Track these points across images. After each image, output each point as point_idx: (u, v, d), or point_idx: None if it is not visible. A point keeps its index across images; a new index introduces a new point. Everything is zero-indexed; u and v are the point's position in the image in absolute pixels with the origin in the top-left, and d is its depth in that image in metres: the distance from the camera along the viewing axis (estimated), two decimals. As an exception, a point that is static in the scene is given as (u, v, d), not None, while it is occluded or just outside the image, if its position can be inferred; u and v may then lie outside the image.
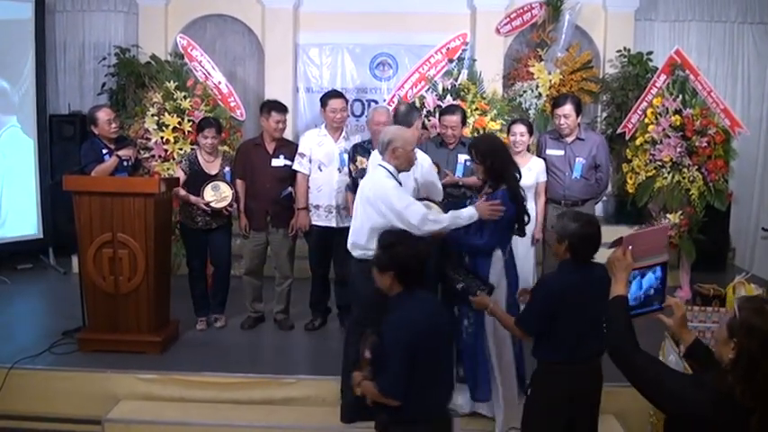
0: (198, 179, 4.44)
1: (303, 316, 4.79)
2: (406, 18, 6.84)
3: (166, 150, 5.52)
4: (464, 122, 4.48)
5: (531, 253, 4.40)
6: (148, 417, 3.70)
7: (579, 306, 2.62)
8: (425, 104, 5.43)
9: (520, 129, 4.44)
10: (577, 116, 4.53)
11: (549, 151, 4.60)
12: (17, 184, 6.20)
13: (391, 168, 3.36)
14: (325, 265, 4.68)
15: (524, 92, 6.55)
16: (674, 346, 3.33)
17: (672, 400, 1.84)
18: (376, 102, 6.85)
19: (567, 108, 4.49)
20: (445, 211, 3.48)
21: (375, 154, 3.76)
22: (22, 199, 6.24)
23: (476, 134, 5.25)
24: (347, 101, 4.68)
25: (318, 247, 4.63)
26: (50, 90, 6.80)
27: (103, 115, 4.46)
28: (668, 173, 5.33)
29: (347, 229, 3.60)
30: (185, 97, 5.56)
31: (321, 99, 4.59)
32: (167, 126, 5.49)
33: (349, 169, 4.41)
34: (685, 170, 5.29)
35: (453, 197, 4.17)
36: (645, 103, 5.61)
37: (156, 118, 5.54)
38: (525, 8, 6.74)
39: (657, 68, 5.83)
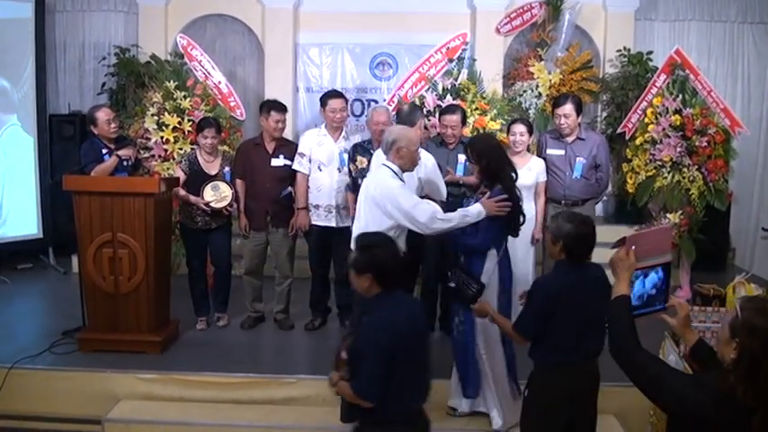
0: (198, 179, 4.44)
1: (303, 316, 4.79)
2: (405, 18, 6.83)
3: (166, 150, 5.52)
4: (464, 122, 4.49)
5: (530, 253, 4.40)
6: (148, 417, 3.70)
7: (575, 306, 2.61)
8: (425, 104, 5.43)
9: (520, 128, 4.44)
10: (578, 116, 4.52)
11: (549, 151, 4.60)
12: (17, 183, 6.19)
13: (395, 168, 3.36)
14: (325, 264, 4.68)
15: (524, 92, 6.54)
16: (674, 346, 3.34)
17: (673, 399, 1.84)
18: (376, 102, 6.85)
19: (568, 108, 4.48)
20: (445, 210, 3.47)
21: (378, 153, 3.75)
22: (22, 199, 6.24)
23: (476, 134, 5.25)
24: (347, 101, 4.68)
25: (318, 247, 4.63)
26: (50, 90, 6.79)
27: (103, 115, 4.45)
28: (668, 173, 5.33)
29: (347, 228, 3.60)
30: (185, 97, 5.56)
31: (321, 99, 4.59)
32: (167, 126, 5.49)
33: (349, 169, 4.41)
34: (685, 170, 5.29)
35: (453, 196, 4.17)
36: (645, 103, 5.61)
37: (155, 118, 5.54)
38: (525, 8, 6.74)
39: (657, 68, 5.83)
